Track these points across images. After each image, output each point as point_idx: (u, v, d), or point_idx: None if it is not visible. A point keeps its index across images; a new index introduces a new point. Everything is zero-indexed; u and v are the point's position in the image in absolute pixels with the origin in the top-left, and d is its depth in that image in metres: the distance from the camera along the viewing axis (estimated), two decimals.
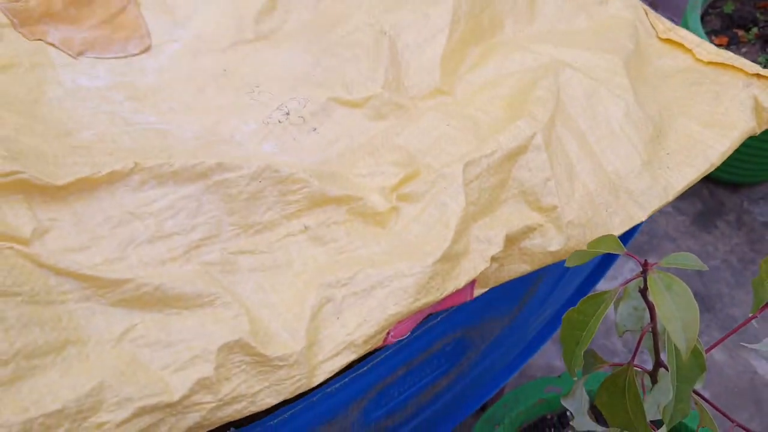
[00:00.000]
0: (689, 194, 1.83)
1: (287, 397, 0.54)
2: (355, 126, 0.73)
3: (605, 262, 1.10)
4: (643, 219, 0.75)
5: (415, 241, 0.63)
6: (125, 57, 0.75)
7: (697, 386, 0.64)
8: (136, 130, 0.66)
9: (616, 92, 0.80)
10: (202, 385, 0.51)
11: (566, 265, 0.61)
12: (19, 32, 0.71)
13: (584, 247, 0.73)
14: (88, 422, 0.47)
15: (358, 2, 0.83)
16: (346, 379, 0.69)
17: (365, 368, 0.70)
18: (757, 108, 0.86)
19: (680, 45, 0.95)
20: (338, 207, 0.65)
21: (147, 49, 0.76)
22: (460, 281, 0.62)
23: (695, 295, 1.65)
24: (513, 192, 0.70)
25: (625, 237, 1.07)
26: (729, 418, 0.59)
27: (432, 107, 0.77)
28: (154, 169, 0.59)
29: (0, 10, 0.70)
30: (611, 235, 0.60)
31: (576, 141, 0.75)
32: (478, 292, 0.67)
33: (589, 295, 0.57)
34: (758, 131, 0.86)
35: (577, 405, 0.75)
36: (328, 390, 0.68)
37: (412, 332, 0.72)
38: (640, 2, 0.98)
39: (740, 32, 1.70)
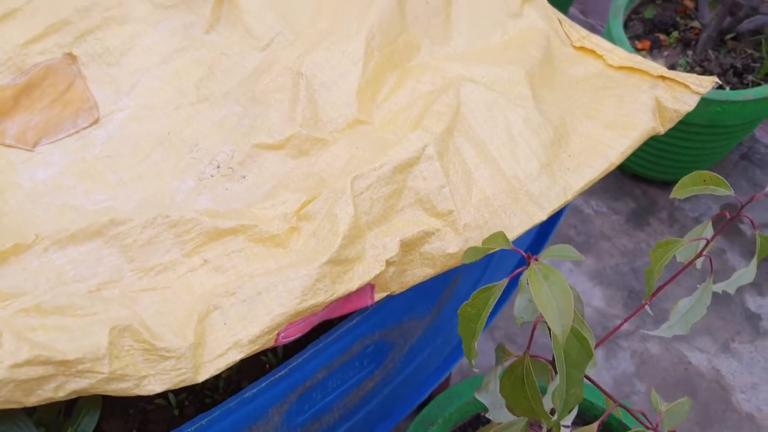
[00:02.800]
0: (623, 194, 1.89)
1: (171, 388, 0.57)
2: (279, 166, 0.78)
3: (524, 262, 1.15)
4: (543, 218, 0.79)
5: (310, 253, 0.66)
6: (76, 132, 0.81)
7: (590, 372, 0.68)
8: (81, 216, 0.71)
9: (516, 101, 0.84)
10: (95, 355, 0.54)
11: (463, 261, 0.64)
12: None
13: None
14: None
15: (281, 50, 0.88)
16: (263, 384, 0.71)
17: (281, 373, 0.72)
18: (660, 108, 0.91)
19: (593, 52, 1.00)
20: (235, 237, 0.69)
21: (96, 121, 0.82)
22: (353, 284, 0.65)
23: (630, 291, 1.71)
24: (409, 200, 0.73)
25: (549, 227, 1.11)
26: (613, 399, 0.63)
27: (346, 135, 0.81)
28: (53, 236, 0.65)
29: None
30: (500, 232, 0.63)
31: (475, 149, 0.79)
32: (378, 296, 0.70)
33: (479, 289, 0.60)
34: (662, 130, 0.91)
35: (491, 398, 0.78)
36: (246, 395, 0.70)
37: (328, 335, 0.75)
38: (555, 12, 1.02)
39: (662, 36, 1.77)
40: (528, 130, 0.82)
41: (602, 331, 1.64)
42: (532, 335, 0.64)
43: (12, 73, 0.84)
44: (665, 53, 1.74)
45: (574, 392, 0.62)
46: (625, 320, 0.74)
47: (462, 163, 0.78)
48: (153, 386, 0.56)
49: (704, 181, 0.66)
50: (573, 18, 2.22)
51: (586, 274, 1.75)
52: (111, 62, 0.90)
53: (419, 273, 0.73)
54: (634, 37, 1.76)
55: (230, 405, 0.70)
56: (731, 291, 0.71)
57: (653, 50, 1.74)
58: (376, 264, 0.68)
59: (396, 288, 0.72)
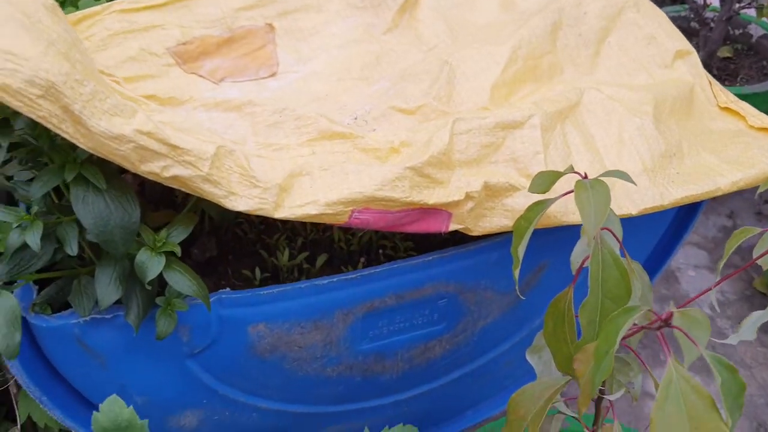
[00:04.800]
0: None
1: (251, 211, 0.66)
2: (406, 126, 0.89)
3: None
4: (633, 213, 0.82)
5: (399, 162, 0.75)
6: (255, 80, 0.99)
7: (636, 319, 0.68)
8: (227, 98, 0.87)
9: (636, 114, 0.89)
10: (200, 155, 0.65)
11: (528, 190, 0.69)
12: (182, 69, 0.97)
13: (564, 218, 0.81)
14: (109, 102, 0.60)
15: (439, 46, 1.02)
16: (335, 280, 0.79)
17: (352, 276, 0.80)
18: None
19: (737, 113, 1.02)
20: (344, 141, 0.80)
21: (273, 75, 1.00)
22: (430, 199, 0.73)
23: (760, 424, 1.57)
24: (504, 157, 0.80)
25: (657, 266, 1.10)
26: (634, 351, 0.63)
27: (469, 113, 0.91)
28: (202, 100, 0.81)
29: (170, 54, 0.97)
30: (571, 168, 0.68)
31: (581, 139, 0.85)
32: (454, 226, 0.76)
33: (533, 202, 0.65)
34: None
35: (542, 365, 0.79)
36: (317, 283, 0.79)
37: (403, 262, 0.82)
38: (706, 74, 1.07)
39: None
40: (639, 137, 0.87)
41: None
42: (580, 268, 0.66)
43: (221, 29, 1.04)
44: None
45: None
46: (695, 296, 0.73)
47: (564, 144, 0.84)
48: (237, 203, 0.67)
49: None
50: None
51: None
52: (300, 38, 1.08)
53: (497, 222, 0.79)
54: None
55: (301, 286, 0.78)
56: None
57: None
58: (456, 193, 0.75)
59: (472, 226, 0.78)
